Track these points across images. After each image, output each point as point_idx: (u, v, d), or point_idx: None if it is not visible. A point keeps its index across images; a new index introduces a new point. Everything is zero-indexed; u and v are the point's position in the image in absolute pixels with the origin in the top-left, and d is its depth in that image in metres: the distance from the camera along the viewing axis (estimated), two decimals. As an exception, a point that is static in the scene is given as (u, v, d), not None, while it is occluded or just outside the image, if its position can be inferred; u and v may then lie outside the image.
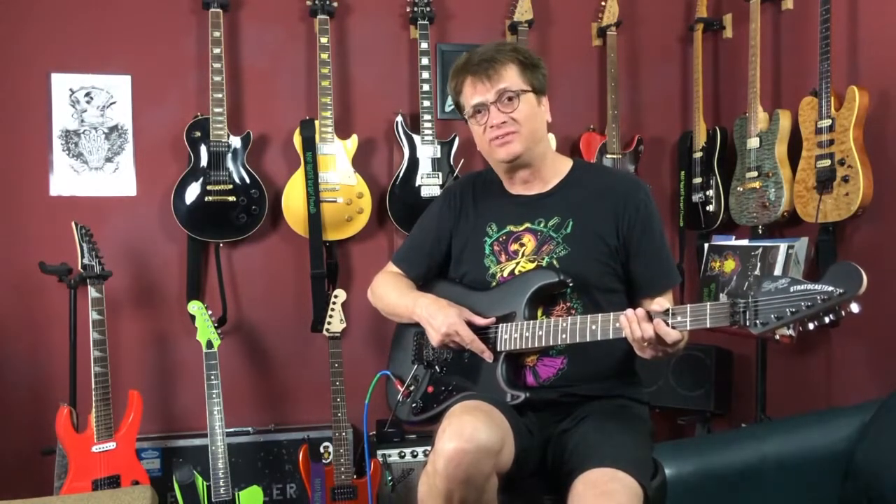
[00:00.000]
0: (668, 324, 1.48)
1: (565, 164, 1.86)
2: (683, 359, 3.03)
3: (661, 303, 1.51)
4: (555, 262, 1.73)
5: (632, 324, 1.51)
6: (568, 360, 1.72)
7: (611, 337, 1.57)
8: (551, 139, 3.07)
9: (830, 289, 1.32)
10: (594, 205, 1.76)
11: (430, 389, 1.80)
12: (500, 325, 1.72)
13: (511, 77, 1.74)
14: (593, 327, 1.60)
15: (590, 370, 1.72)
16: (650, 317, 1.50)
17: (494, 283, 1.79)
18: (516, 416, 1.64)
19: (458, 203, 1.93)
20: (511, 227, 1.81)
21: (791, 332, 1.37)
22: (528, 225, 1.80)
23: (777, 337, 1.42)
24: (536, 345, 1.67)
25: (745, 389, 3.03)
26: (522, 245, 1.79)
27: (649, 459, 1.62)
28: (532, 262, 1.75)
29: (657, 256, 1.76)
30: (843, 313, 1.34)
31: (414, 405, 1.82)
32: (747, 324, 1.39)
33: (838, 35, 2.61)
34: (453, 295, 1.84)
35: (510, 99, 1.74)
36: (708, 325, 1.45)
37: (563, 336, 1.63)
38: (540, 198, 1.82)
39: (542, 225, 1.78)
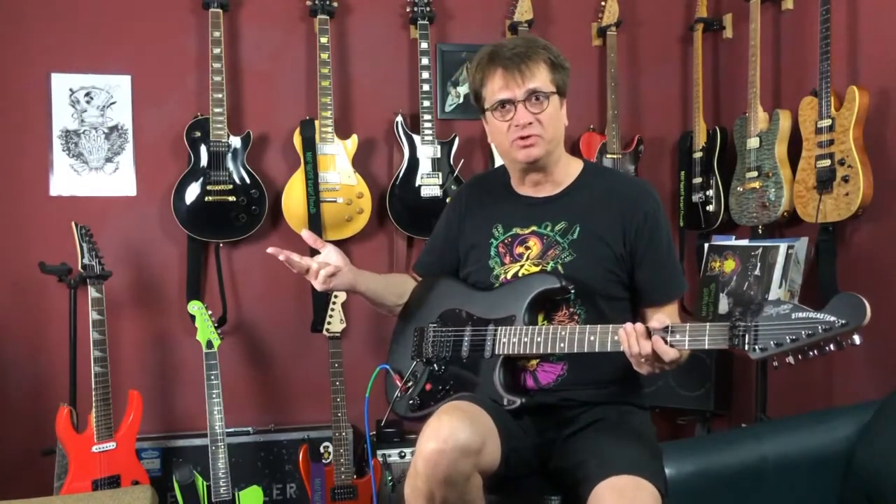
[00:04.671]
0: (666, 341, 1.46)
1: (576, 167, 1.83)
2: (683, 359, 3.03)
3: (661, 319, 1.49)
4: (560, 267, 1.71)
5: (630, 339, 1.49)
6: (568, 367, 1.70)
7: (608, 349, 1.55)
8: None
9: (833, 319, 1.30)
10: (602, 210, 1.74)
11: (428, 387, 1.79)
12: (499, 328, 1.71)
13: (542, 77, 1.70)
14: (591, 338, 1.58)
15: (590, 377, 1.70)
16: (649, 333, 1.48)
17: (497, 285, 1.77)
18: (506, 417, 1.63)
19: (464, 204, 1.92)
20: (517, 230, 1.79)
21: (790, 360, 1.36)
22: (533, 228, 1.77)
23: (776, 364, 1.39)
24: (534, 351, 1.66)
25: (745, 389, 3.03)
26: (528, 248, 1.77)
27: (662, 467, 1.62)
28: (536, 265, 1.74)
29: (663, 266, 1.74)
30: (844, 344, 1.32)
31: (411, 402, 1.81)
32: (746, 348, 1.37)
33: (838, 35, 2.61)
34: (455, 292, 1.84)
35: (539, 100, 1.70)
36: (706, 346, 1.43)
37: (562, 345, 1.62)
38: (548, 200, 1.80)
39: (548, 229, 1.76)
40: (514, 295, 1.72)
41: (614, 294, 1.73)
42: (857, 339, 1.31)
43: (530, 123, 1.69)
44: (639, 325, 1.49)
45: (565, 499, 1.64)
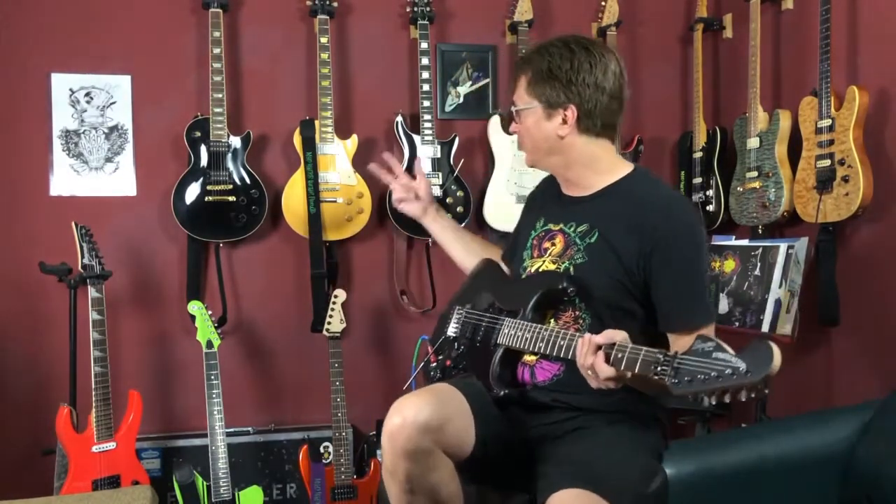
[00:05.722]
0: (609, 358, 1.43)
1: (616, 173, 1.77)
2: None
3: (610, 335, 1.45)
4: (572, 269, 1.72)
5: (582, 348, 1.48)
6: (565, 368, 1.69)
7: (570, 357, 1.54)
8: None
9: (742, 365, 1.24)
10: (624, 221, 1.68)
11: (448, 363, 1.86)
12: (506, 319, 1.75)
13: (519, 92, 1.79)
14: (561, 343, 1.58)
15: (586, 381, 1.63)
16: (599, 347, 1.46)
17: (524, 276, 1.83)
18: (487, 402, 1.67)
19: (531, 195, 2.03)
20: (551, 225, 1.82)
21: (705, 400, 1.28)
22: (561, 226, 1.79)
23: (692, 399, 1.32)
24: (522, 347, 1.68)
25: (745, 389, 3.03)
26: (553, 245, 1.78)
27: (637, 482, 1.59)
28: (554, 263, 1.75)
29: (678, 291, 1.64)
30: (752, 395, 1.25)
31: (432, 373, 1.89)
32: (666, 380, 1.33)
33: (838, 35, 2.61)
34: (493, 279, 1.95)
35: (516, 113, 1.80)
36: (636, 371, 1.38)
37: (540, 345, 1.62)
38: (578, 201, 1.80)
39: (572, 229, 1.76)
40: (526, 290, 1.75)
41: (624, 306, 1.68)
42: (765, 389, 1.24)
43: (515, 132, 1.85)
44: (594, 337, 1.46)
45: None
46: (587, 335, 1.48)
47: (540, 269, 1.78)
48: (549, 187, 1.92)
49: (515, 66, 1.82)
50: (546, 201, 1.91)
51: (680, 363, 1.31)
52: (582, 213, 1.76)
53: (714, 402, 1.28)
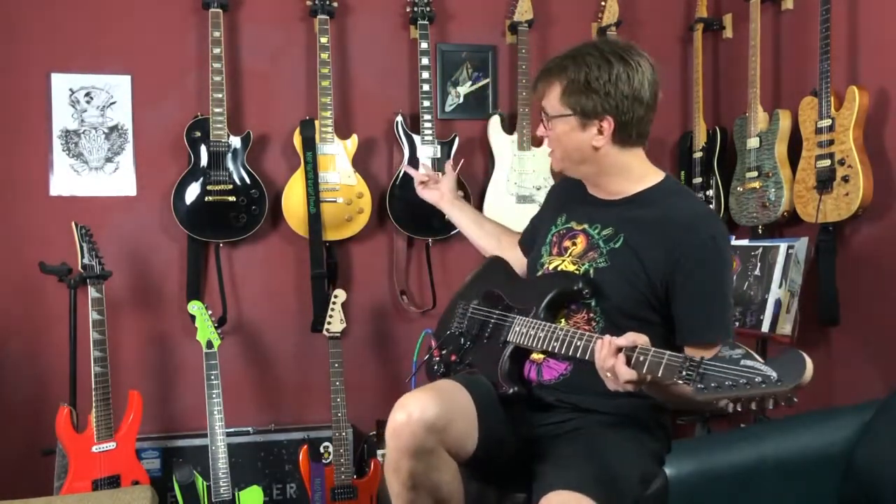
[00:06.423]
0: (630, 361, 1.42)
1: (646, 180, 1.76)
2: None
3: (632, 337, 1.44)
4: (591, 271, 1.69)
5: (602, 350, 1.46)
6: (572, 368, 1.69)
7: (587, 358, 1.53)
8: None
9: (773, 374, 1.24)
10: (651, 230, 1.65)
11: (453, 357, 1.85)
12: (518, 317, 1.74)
13: (551, 99, 1.71)
14: (578, 343, 1.56)
15: (593, 382, 1.61)
16: (620, 349, 1.45)
17: (540, 274, 1.80)
18: (493, 402, 1.66)
19: (554, 189, 2.02)
20: (573, 224, 1.79)
21: (729, 406, 1.29)
22: (585, 226, 1.76)
23: (721, 405, 1.33)
24: (534, 346, 1.66)
25: (745, 389, 3.03)
26: (574, 244, 1.76)
27: (630, 487, 1.58)
28: (574, 264, 1.73)
29: (699, 304, 1.62)
30: (782, 404, 1.25)
31: (435, 367, 1.88)
32: (690, 385, 1.33)
33: (838, 35, 2.61)
34: (503, 274, 1.94)
35: (546, 119, 1.74)
36: (659, 375, 1.38)
37: (554, 344, 1.61)
38: (606, 204, 1.77)
39: (596, 231, 1.73)
40: (541, 289, 1.74)
41: (640, 315, 1.66)
42: (794, 399, 1.25)
43: (544, 137, 1.79)
44: (615, 339, 1.45)
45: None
46: (607, 337, 1.47)
47: (559, 268, 1.75)
48: (574, 184, 1.87)
49: (546, 70, 1.73)
50: (569, 198, 1.86)
51: (706, 369, 1.31)
52: (608, 216, 1.73)
53: (739, 409, 1.28)
